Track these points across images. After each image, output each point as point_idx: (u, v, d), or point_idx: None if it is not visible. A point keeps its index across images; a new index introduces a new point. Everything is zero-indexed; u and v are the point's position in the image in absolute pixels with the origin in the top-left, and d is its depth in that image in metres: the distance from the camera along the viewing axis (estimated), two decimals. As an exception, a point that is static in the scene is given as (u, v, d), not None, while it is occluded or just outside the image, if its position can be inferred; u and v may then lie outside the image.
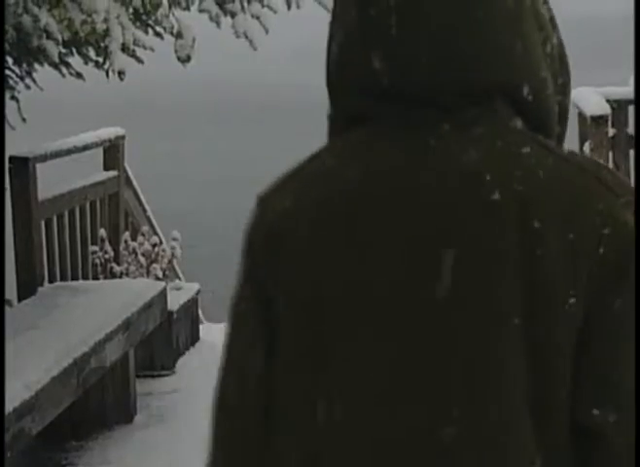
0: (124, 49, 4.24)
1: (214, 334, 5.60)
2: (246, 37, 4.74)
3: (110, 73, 4.25)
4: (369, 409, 1.04)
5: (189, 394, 4.58)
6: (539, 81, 1.08)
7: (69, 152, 5.12)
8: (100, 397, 4.18)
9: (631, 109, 6.29)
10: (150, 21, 4.58)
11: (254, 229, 1.15)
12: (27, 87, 4.79)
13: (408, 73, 1.05)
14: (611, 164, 6.13)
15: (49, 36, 4.05)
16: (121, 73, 4.17)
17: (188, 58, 4.44)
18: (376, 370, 1.04)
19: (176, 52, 4.42)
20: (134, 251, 5.19)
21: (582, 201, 1.02)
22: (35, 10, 3.96)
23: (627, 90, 6.44)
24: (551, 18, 1.12)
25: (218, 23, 4.81)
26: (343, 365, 1.05)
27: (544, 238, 1.00)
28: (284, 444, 1.10)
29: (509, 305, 1.00)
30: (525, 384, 1.01)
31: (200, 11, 4.77)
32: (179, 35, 4.45)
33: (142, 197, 6.19)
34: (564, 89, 1.13)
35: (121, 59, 4.15)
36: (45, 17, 3.97)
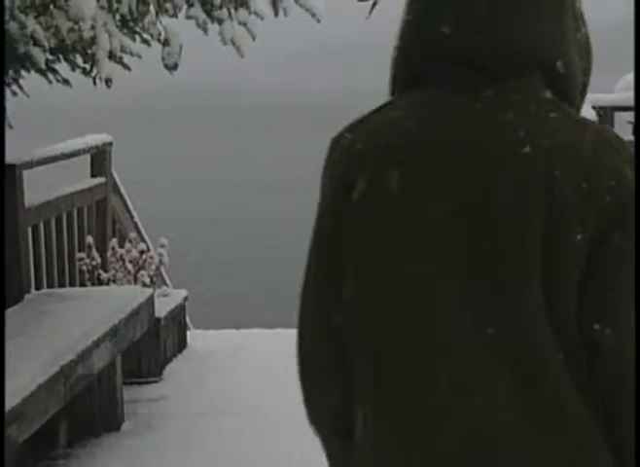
0: (112, 56, 4.24)
1: (201, 340, 5.60)
2: (233, 44, 4.74)
3: (97, 80, 4.24)
4: (434, 303, 1.32)
5: (176, 401, 4.58)
6: (569, 60, 1.37)
7: (56, 158, 5.12)
8: (87, 404, 4.17)
9: (617, 116, 6.33)
10: (137, 28, 4.58)
11: (331, 165, 1.44)
12: (14, 93, 4.78)
13: (469, 41, 1.34)
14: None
15: (35, 43, 4.05)
16: (108, 81, 4.16)
17: (175, 66, 4.43)
18: (425, 291, 1.32)
19: (163, 59, 4.42)
20: (122, 258, 5.18)
21: (594, 159, 1.30)
22: (22, 17, 3.95)
23: (613, 98, 6.48)
24: (582, 14, 1.42)
25: (205, 30, 4.81)
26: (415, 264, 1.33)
27: (562, 185, 1.28)
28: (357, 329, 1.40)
29: (533, 238, 1.28)
30: (541, 298, 1.28)
31: (188, 17, 4.77)
32: (166, 43, 4.44)
33: (129, 203, 6.19)
34: (586, 72, 1.43)
35: (108, 67, 4.15)
36: (32, 24, 3.96)
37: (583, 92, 1.44)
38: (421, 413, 1.33)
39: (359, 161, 1.39)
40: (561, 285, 1.29)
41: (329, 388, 1.52)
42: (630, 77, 7.00)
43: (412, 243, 1.33)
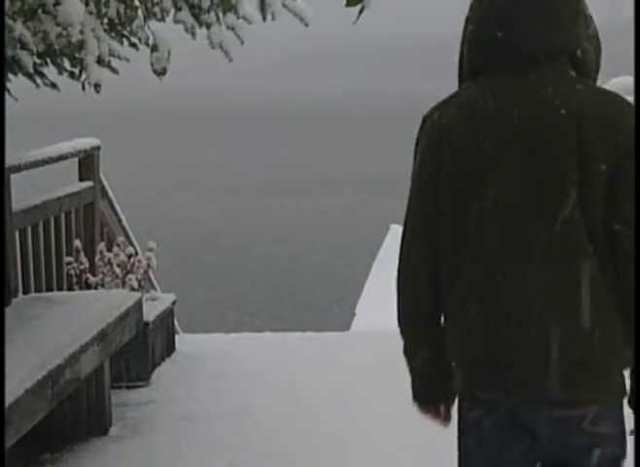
0: (100, 61, 4.22)
1: (190, 344, 5.58)
2: (221, 48, 4.73)
3: (86, 85, 4.22)
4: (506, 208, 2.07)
5: (164, 405, 4.56)
6: (584, 49, 2.12)
7: (44, 162, 5.09)
8: (75, 409, 4.15)
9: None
10: (125, 32, 4.56)
11: (425, 134, 2.16)
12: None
13: (518, 41, 2.09)
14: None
15: (23, 46, 4.02)
16: (97, 85, 4.14)
17: (164, 71, 4.41)
18: (508, 187, 2.06)
19: (152, 65, 4.40)
20: (110, 262, 5.16)
21: (610, 115, 2.03)
22: (9, 21, 3.92)
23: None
24: (590, 16, 2.14)
25: (193, 34, 4.79)
26: (487, 186, 2.07)
27: (589, 133, 2.01)
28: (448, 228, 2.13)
29: (571, 166, 2.01)
30: (577, 207, 2.01)
31: (176, 22, 4.76)
32: (155, 48, 4.42)
33: (117, 207, 6.17)
34: (597, 57, 2.17)
35: (97, 72, 4.12)
36: (19, 28, 3.93)
37: (597, 71, 2.19)
38: (505, 282, 2.06)
39: (448, 130, 2.12)
40: (591, 199, 2.02)
41: (428, 286, 2.18)
42: (616, 81, 7.03)
43: (493, 177, 2.07)
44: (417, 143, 2.19)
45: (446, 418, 2.29)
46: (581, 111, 2.03)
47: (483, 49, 2.13)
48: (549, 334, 2.03)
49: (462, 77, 2.20)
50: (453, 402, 2.26)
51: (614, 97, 2.10)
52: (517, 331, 2.05)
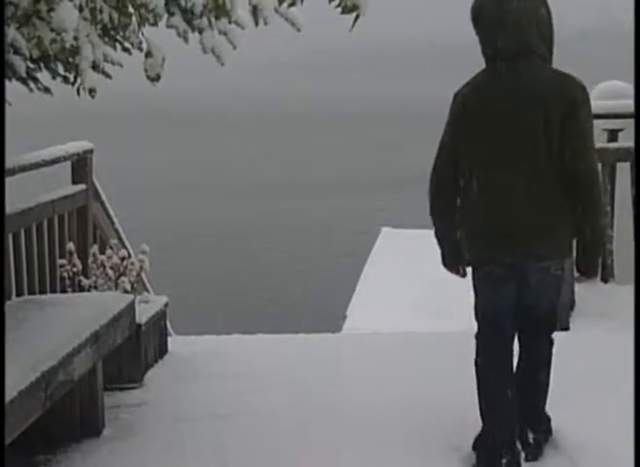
0: (94, 66, 4.21)
1: (182, 346, 5.57)
2: (213, 52, 4.73)
3: (81, 91, 4.21)
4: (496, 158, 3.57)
5: (157, 407, 4.55)
6: (541, 47, 3.53)
7: (38, 165, 5.09)
8: (68, 410, 4.14)
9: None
10: (118, 37, 4.55)
11: (455, 105, 3.62)
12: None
13: (508, 46, 3.50)
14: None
15: (16, 51, 4.01)
16: (92, 91, 4.13)
17: (157, 77, 4.41)
18: (495, 145, 3.54)
19: (146, 71, 4.40)
20: (103, 264, 5.15)
21: (565, 88, 3.46)
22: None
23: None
24: (543, 22, 3.54)
25: (186, 39, 4.79)
26: (485, 141, 3.55)
27: (550, 100, 3.44)
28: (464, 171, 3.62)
29: (539, 122, 3.44)
30: (546, 150, 3.45)
31: (168, 26, 4.75)
32: (149, 54, 4.42)
33: (110, 210, 6.16)
34: (550, 50, 3.57)
35: (91, 77, 4.12)
36: (12, 33, 3.93)
37: (551, 58, 3.57)
38: (502, 184, 3.51)
39: (469, 100, 3.58)
40: (554, 143, 3.43)
41: (451, 181, 3.64)
42: (604, 86, 7.04)
43: (495, 128, 3.51)
44: (450, 108, 3.63)
45: (464, 274, 3.74)
46: (546, 87, 3.46)
47: (489, 48, 3.56)
48: (532, 215, 3.48)
49: (486, 63, 3.62)
50: (465, 265, 3.70)
51: (567, 76, 3.50)
52: (514, 213, 3.49)
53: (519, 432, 3.72)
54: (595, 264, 3.66)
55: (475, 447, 3.73)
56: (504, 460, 3.60)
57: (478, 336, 3.73)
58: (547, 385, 3.85)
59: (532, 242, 3.51)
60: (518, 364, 3.78)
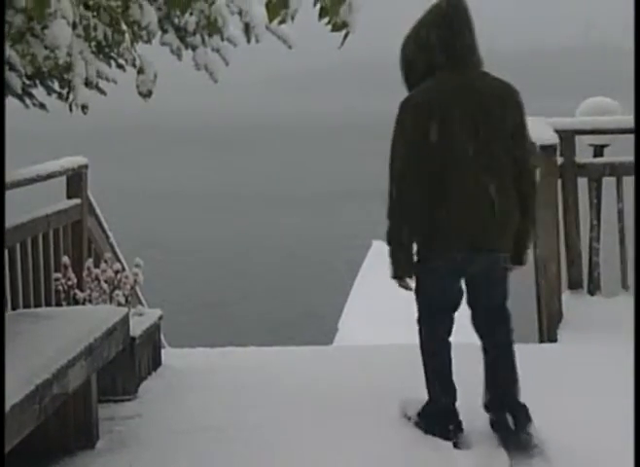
0: (88, 83, 4.22)
1: (176, 359, 5.55)
2: (206, 69, 4.74)
3: (74, 107, 4.22)
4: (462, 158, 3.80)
5: (151, 419, 4.52)
6: (477, 60, 3.92)
7: (33, 180, 5.08)
8: (62, 422, 4.11)
9: (578, 138, 6.37)
10: (112, 54, 4.56)
11: (413, 108, 3.80)
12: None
13: (456, 57, 3.84)
14: (560, 191, 6.19)
15: (11, 68, 4.01)
16: (84, 107, 4.14)
17: (149, 93, 4.43)
18: (461, 148, 3.79)
19: (138, 87, 4.41)
20: (97, 278, 5.13)
21: (508, 95, 3.88)
22: (-3, 43, 3.91)
23: (574, 121, 6.53)
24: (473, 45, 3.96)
25: (179, 56, 4.80)
26: (449, 144, 3.78)
27: (505, 105, 3.86)
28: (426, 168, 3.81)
29: (497, 125, 3.83)
30: (501, 149, 3.82)
31: (162, 44, 4.77)
32: (141, 71, 4.43)
33: (105, 224, 6.15)
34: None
35: (84, 93, 4.12)
36: (7, 50, 3.93)
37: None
38: (468, 185, 3.78)
39: (423, 107, 3.76)
40: (508, 144, 3.83)
41: (418, 186, 3.78)
42: (590, 102, 7.05)
43: (454, 131, 3.75)
44: (402, 117, 3.79)
45: (410, 286, 3.94)
46: (493, 92, 3.83)
47: (444, 56, 3.81)
48: (496, 212, 3.78)
49: (416, 72, 3.88)
50: (424, 265, 3.92)
51: (506, 83, 3.89)
52: (481, 212, 3.78)
53: (503, 422, 3.94)
54: (528, 252, 4.08)
55: (421, 414, 4.12)
56: (451, 426, 3.99)
57: (426, 322, 4.05)
58: (515, 370, 4.03)
59: (496, 238, 3.84)
60: (486, 357, 4.06)
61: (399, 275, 3.87)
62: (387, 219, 3.83)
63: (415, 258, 3.92)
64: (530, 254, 4.15)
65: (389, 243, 3.84)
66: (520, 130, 3.84)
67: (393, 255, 3.84)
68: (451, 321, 4.07)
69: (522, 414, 3.95)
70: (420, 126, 3.72)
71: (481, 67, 3.89)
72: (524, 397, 4.02)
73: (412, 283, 3.93)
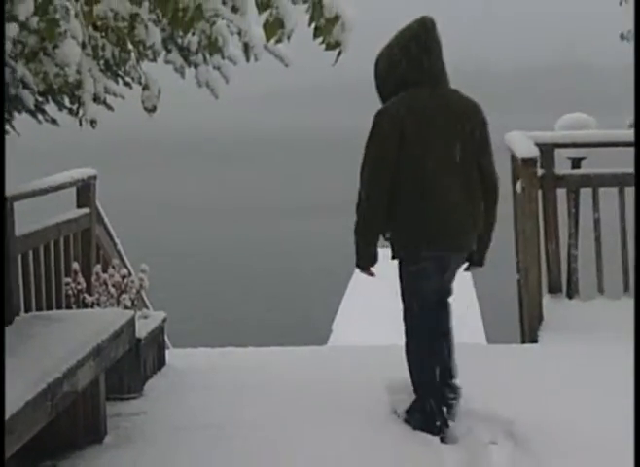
0: (96, 99, 4.23)
1: (179, 359, 5.55)
2: (208, 86, 4.75)
3: (83, 121, 4.23)
4: (436, 164, 3.96)
5: (155, 416, 4.52)
6: (446, 78, 4.07)
7: (45, 191, 5.08)
8: (72, 419, 4.11)
9: (557, 152, 6.39)
10: (119, 72, 4.57)
11: (387, 120, 3.91)
12: (6, 132, 4.74)
13: (428, 73, 3.99)
14: (540, 201, 6.21)
15: (25, 86, 4.03)
16: (93, 122, 4.16)
17: (154, 109, 4.44)
18: (435, 157, 3.94)
19: (143, 102, 4.42)
20: (105, 282, 5.13)
21: (475, 111, 4.06)
22: (12, 63, 3.93)
23: (554, 135, 6.55)
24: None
25: (182, 74, 4.81)
26: (428, 151, 3.93)
27: (471, 118, 4.03)
28: (405, 175, 3.94)
29: (466, 136, 3.99)
30: (472, 160, 4.02)
31: (166, 62, 4.78)
32: (146, 87, 4.44)
33: (112, 232, 6.15)
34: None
35: (92, 109, 4.14)
36: (21, 69, 3.94)
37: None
38: (441, 189, 3.94)
39: (399, 118, 3.88)
40: (475, 153, 4.00)
41: (385, 194, 3.91)
42: (568, 117, 7.08)
43: (431, 143, 3.91)
44: (378, 126, 3.91)
45: (373, 274, 4.11)
46: (461, 108, 3.98)
47: (417, 72, 3.95)
48: (467, 214, 3.97)
49: (388, 86, 4.02)
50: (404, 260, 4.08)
51: (472, 100, 4.05)
52: (453, 214, 3.93)
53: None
54: (487, 253, 4.24)
55: (409, 411, 4.15)
56: (437, 422, 4.04)
57: (413, 319, 4.12)
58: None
59: (465, 240, 4.05)
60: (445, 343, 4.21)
61: (361, 266, 4.06)
62: (355, 214, 3.98)
63: (399, 259, 4.08)
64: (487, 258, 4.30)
65: (355, 235, 4.01)
66: (485, 141, 4.02)
67: (358, 247, 4.02)
68: (438, 319, 4.17)
69: (455, 390, 4.18)
70: (394, 136, 3.85)
71: (449, 84, 4.03)
72: (508, 392, 4.03)
73: (374, 270, 4.09)
